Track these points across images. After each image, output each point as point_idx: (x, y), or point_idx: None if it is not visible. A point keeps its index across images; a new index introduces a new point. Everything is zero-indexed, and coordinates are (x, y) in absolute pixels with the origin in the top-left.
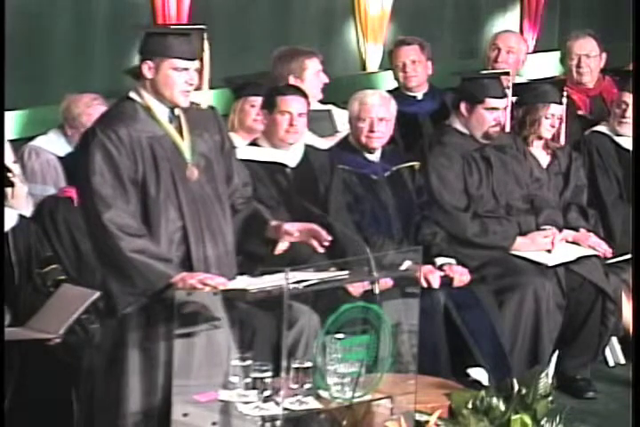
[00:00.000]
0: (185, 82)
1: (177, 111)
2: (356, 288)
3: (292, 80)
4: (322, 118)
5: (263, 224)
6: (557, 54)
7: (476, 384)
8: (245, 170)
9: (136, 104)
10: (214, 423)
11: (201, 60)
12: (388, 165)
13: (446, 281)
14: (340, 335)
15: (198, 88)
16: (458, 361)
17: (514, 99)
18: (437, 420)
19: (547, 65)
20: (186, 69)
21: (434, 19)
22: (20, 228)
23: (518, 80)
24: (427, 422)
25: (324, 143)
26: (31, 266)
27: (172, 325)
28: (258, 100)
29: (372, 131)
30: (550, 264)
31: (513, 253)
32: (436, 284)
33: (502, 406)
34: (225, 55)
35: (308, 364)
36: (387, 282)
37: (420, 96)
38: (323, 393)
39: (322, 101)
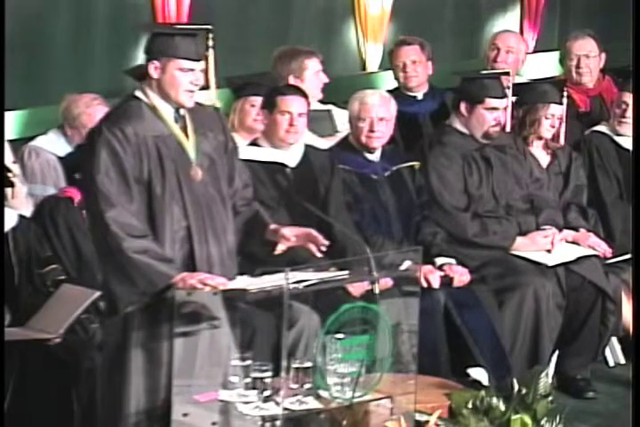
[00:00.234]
0: (190, 82)
1: (182, 111)
2: (356, 288)
3: (291, 80)
4: (322, 118)
5: (263, 227)
6: (557, 54)
7: (476, 384)
8: (247, 171)
9: (142, 103)
10: (214, 423)
11: (206, 59)
12: (388, 164)
13: (446, 281)
14: (340, 335)
15: (205, 88)
16: (458, 361)
17: (514, 99)
18: (437, 420)
19: (547, 65)
20: (192, 70)
21: (434, 19)
22: (20, 228)
23: (518, 80)
24: (427, 422)
25: (324, 143)
26: (31, 266)
27: (172, 325)
28: (258, 100)
29: (372, 131)
30: (550, 264)
31: (513, 253)
32: (435, 284)
33: (502, 406)
34: (225, 55)
35: (308, 364)
36: (387, 282)
37: (420, 96)
38: (323, 393)
39: (322, 101)
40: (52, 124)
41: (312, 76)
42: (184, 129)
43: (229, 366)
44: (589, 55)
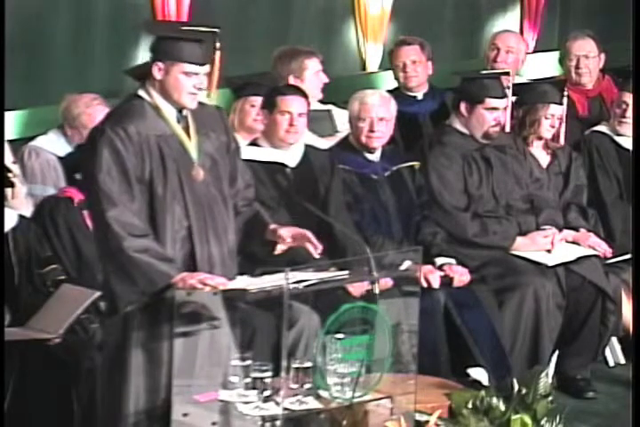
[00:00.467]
0: (193, 86)
1: (185, 111)
2: (356, 288)
3: (291, 80)
4: (322, 118)
5: (263, 227)
6: (557, 54)
7: (476, 384)
8: (249, 171)
9: (144, 102)
10: (214, 423)
11: (212, 62)
12: (388, 164)
13: (446, 281)
14: (340, 335)
15: (208, 88)
16: (458, 361)
17: (514, 99)
18: (437, 420)
19: (547, 65)
20: (196, 74)
21: (434, 19)
22: (20, 228)
23: (518, 80)
24: (427, 422)
25: (324, 143)
26: (31, 266)
27: (172, 325)
28: (258, 100)
29: (372, 131)
30: (550, 264)
31: (513, 253)
32: (435, 284)
33: (502, 406)
34: (225, 55)
35: (308, 364)
36: (387, 282)
37: (420, 96)
38: (323, 393)
39: (322, 101)
40: (52, 124)
41: (312, 76)
42: (186, 129)
43: (229, 366)
44: (589, 56)
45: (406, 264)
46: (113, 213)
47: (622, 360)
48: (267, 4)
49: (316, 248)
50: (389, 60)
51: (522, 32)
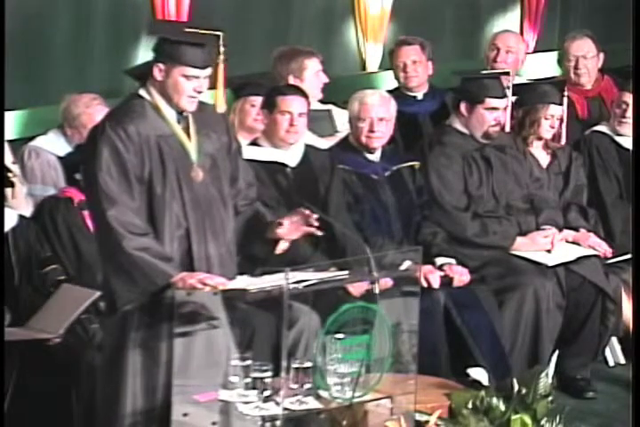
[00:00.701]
0: (194, 89)
1: (185, 112)
2: (356, 288)
3: (291, 80)
4: (322, 118)
5: (265, 226)
6: (557, 54)
7: (476, 384)
8: (250, 171)
9: (145, 102)
10: (214, 423)
11: (216, 64)
12: (388, 164)
13: (446, 281)
14: (340, 335)
15: (212, 88)
16: (458, 361)
17: (513, 99)
18: (437, 420)
19: (547, 65)
20: (196, 77)
21: (434, 19)
22: (20, 228)
23: (518, 80)
24: (427, 422)
25: (324, 143)
26: (31, 266)
27: (171, 324)
28: (258, 100)
29: (371, 131)
30: (550, 264)
31: (513, 253)
32: (435, 284)
33: (502, 406)
34: (225, 55)
35: (308, 364)
36: (387, 282)
37: (420, 96)
38: (323, 393)
39: (322, 101)
40: (52, 124)
41: (312, 76)
42: (186, 129)
43: (229, 366)
44: (587, 56)
45: (406, 264)
46: (113, 212)
47: (622, 360)
48: (266, 4)
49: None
50: (390, 60)
51: (522, 32)
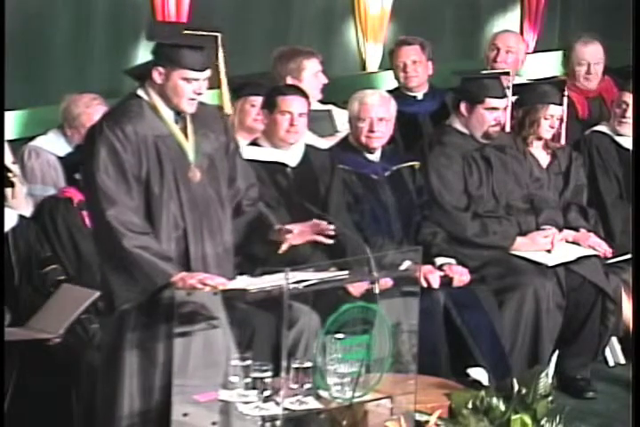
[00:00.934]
0: (193, 91)
1: (184, 113)
2: (356, 288)
3: (289, 81)
4: (322, 118)
5: (267, 228)
6: (557, 54)
7: (476, 384)
8: (251, 171)
9: (143, 102)
10: (214, 423)
11: (217, 65)
12: (388, 164)
13: (446, 281)
14: (340, 335)
15: (211, 88)
16: (458, 361)
17: (513, 99)
18: (437, 420)
19: (547, 65)
20: (196, 80)
21: (434, 19)
22: (20, 228)
23: (518, 80)
24: (427, 422)
25: (324, 143)
26: (31, 266)
27: (171, 324)
28: (258, 100)
29: (371, 131)
30: (550, 264)
31: (513, 253)
32: (435, 284)
33: (502, 406)
34: (225, 55)
35: (308, 364)
36: (387, 282)
37: (420, 96)
38: (323, 393)
39: (322, 101)
40: (52, 124)
41: (310, 77)
42: (184, 130)
43: (229, 366)
44: (599, 62)
45: (406, 264)
46: (112, 211)
47: (622, 360)
48: (266, 4)
49: (327, 230)
50: (390, 60)
51: (522, 32)
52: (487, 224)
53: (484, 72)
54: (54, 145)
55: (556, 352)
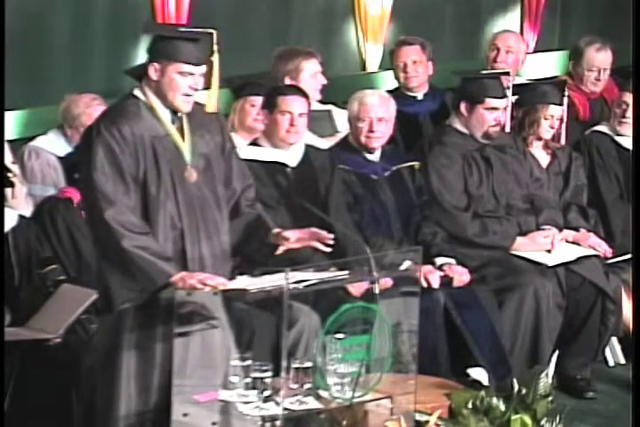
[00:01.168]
0: (189, 87)
1: (180, 112)
2: (356, 288)
3: (287, 81)
4: (322, 118)
5: (265, 231)
6: (557, 54)
7: (476, 384)
8: (248, 172)
9: (140, 102)
10: (214, 423)
11: (211, 63)
12: (388, 164)
13: (446, 281)
14: (340, 335)
15: (207, 88)
16: (458, 361)
17: (513, 99)
18: (437, 420)
19: (547, 65)
20: (191, 74)
21: (434, 19)
22: (20, 228)
23: (518, 80)
24: (427, 422)
25: (324, 143)
26: (31, 266)
27: (171, 324)
28: (258, 100)
29: (371, 131)
30: (550, 264)
31: (513, 253)
32: (435, 284)
33: (502, 406)
34: (225, 55)
35: (308, 364)
36: (387, 282)
37: (420, 96)
38: (323, 393)
39: (322, 101)
40: (52, 124)
41: (308, 78)
42: (180, 130)
43: (229, 366)
44: (608, 68)
45: (406, 264)
46: (111, 211)
47: (622, 360)
48: (267, 4)
49: (326, 239)
50: (390, 60)
51: (522, 32)
52: (487, 224)
53: (484, 72)
54: (54, 145)
55: (556, 352)
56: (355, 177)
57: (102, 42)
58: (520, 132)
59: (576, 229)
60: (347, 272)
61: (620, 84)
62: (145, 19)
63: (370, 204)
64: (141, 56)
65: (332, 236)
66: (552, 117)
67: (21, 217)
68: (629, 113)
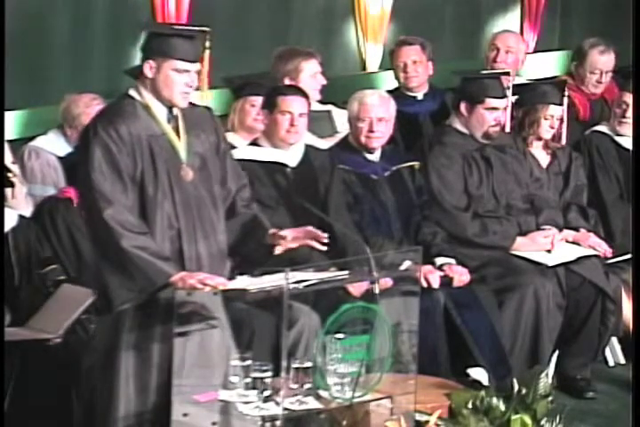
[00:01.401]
0: (185, 84)
1: (175, 111)
2: (356, 288)
3: (287, 82)
4: (322, 118)
5: (262, 231)
6: (557, 54)
7: (476, 384)
8: (242, 172)
9: (135, 102)
10: (214, 423)
11: (202, 61)
12: (388, 164)
13: (446, 281)
14: (340, 335)
15: (198, 88)
16: (458, 361)
17: (513, 99)
18: (437, 420)
19: (547, 65)
20: (187, 71)
21: (434, 19)
22: (20, 228)
23: (518, 80)
24: (427, 422)
25: (324, 143)
26: (31, 266)
27: (171, 324)
28: (258, 100)
29: (371, 131)
30: (550, 264)
31: (513, 253)
32: (435, 284)
33: (502, 406)
34: (225, 55)
35: (308, 364)
36: (387, 282)
37: (420, 96)
38: (323, 393)
39: (322, 102)
40: (52, 124)
41: (307, 78)
42: (176, 129)
43: (229, 366)
44: (610, 70)
45: (406, 264)
46: (110, 211)
47: (622, 360)
48: (267, 4)
49: (322, 238)
50: (390, 60)
51: (522, 32)
52: (487, 224)
53: (484, 72)
54: (54, 145)
55: (556, 352)
56: (355, 177)
57: (102, 42)
58: (520, 132)
59: (576, 229)
60: (347, 272)
61: (620, 85)
62: (145, 19)
63: (370, 204)
64: (141, 56)
65: (327, 235)
66: (552, 117)
67: (21, 217)
68: (629, 113)
